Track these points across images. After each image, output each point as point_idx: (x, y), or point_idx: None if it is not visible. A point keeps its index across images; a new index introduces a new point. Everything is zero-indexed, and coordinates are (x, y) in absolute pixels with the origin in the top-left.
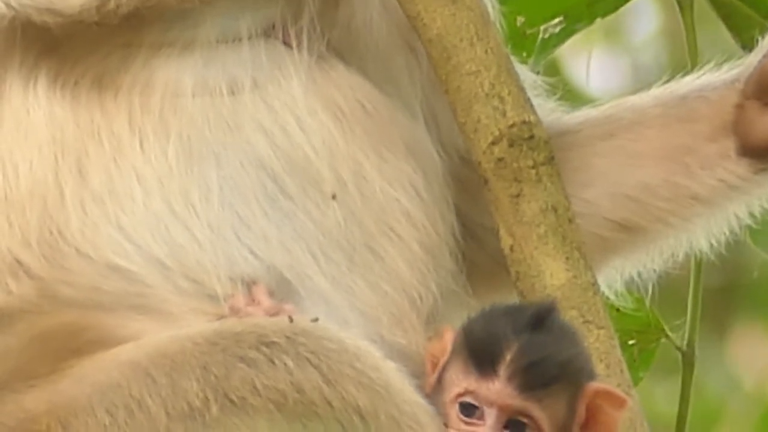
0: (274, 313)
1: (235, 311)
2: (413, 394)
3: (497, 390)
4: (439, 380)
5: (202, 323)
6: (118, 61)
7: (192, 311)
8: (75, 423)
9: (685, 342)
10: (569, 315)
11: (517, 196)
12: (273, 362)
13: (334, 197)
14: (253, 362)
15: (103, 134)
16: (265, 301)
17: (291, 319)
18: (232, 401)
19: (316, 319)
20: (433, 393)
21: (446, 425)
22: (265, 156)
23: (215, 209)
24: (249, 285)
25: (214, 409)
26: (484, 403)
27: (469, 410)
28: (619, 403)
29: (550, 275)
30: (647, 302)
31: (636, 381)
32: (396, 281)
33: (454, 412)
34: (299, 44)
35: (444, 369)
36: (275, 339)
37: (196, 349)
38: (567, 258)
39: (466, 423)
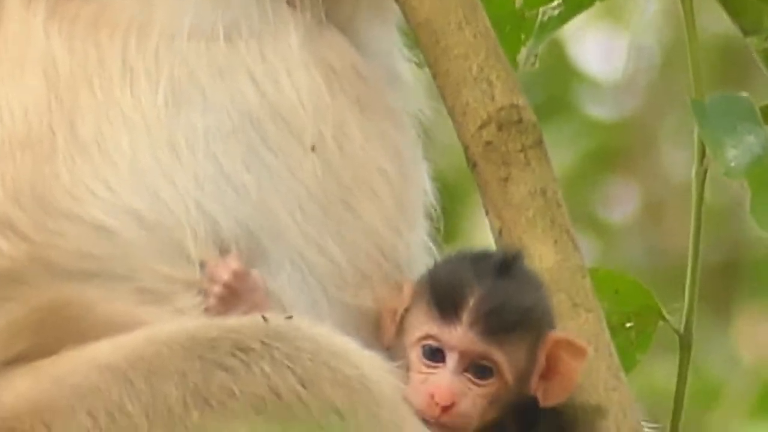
0: (241, 276)
1: (209, 279)
2: (392, 386)
3: (459, 335)
4: (400, 326)
5: (176, 322)
6: None
7: (168, 280)
8: (57, 424)
9: (683, 325)
10: (558, 298)
11: (506, 179)
12: (250, 368)
13: (313, 149)
14: (230, 368)
15: (95, 77)
16: (234, 264)
17: (265, 319)
18: (211, 406)
19: (290, 317)
20: (394, 342)
21: (408, 369)
22: (251, 104)
23: (199, 159)
24: (222, 251)
25: (195, 414)
26: (446, 347)
27: (430, 354)
28: (579, 352)
29: (539, 258)
30: (645, 284)
31: (633, 364)
32: (370, 235)
33: (415, 355)
34: (302, 5)
35: (405, 315)
36: (251, 344)
37: (172, 355)
38: (556, 241)
39: (428, 366)
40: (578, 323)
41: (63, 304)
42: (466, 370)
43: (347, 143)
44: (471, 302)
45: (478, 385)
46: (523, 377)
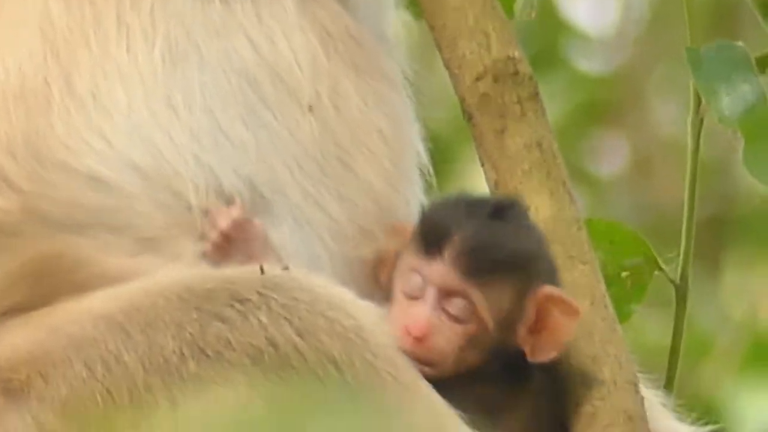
0: (242, 223)
1: (211, 225)
2: (388, 337)
3: (439, 270)
4: (396, 267)
5: (172, 273)
6: None
7: (167, 227)
8: (54, 374)
9: (678, 275)
10: (554, 250)
11: (502, 131)
12: (246, 318)
13: (310, 109)
14: (227, 319)
15: (91, 33)
16: (235, 213)
17: (262, 270)
18: (208, 356)
19: (287, 267)
20: (388, 283)
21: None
22: (249, 63)
23: (196, 114)
24: (225, 201)
25: (191, 364)
26: (426, 282)
27: (412, 287)
28: (571, 310)
29: (535, 210)
30: (641, 234)
31: (628, 314)
32: (368, 192)
33: (398, 288)
34: None
35: (401, 255)
36: (247, 295)
37: (168, 305)
38: (552, 193)
39: (408, 298)
40: (573, 275)
41: (57, 256)
42: (444, 306)
43: (343, 104)
44: (455, 239)
45: (455, 322)
46: (506, 324)
